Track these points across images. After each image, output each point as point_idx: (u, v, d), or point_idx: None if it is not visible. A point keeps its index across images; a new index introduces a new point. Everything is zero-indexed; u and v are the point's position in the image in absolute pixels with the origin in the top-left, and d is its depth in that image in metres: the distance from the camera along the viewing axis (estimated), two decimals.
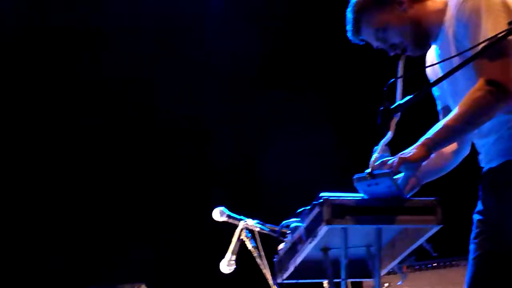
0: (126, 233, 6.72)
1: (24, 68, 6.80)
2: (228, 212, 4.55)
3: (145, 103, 6.94)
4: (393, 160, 2.92)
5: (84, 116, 6.85)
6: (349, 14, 3.26)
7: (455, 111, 3.00)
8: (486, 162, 3.19)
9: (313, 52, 6.73)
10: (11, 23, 6.54)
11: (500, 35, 2.70)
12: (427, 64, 3.37)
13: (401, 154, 2.94)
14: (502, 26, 2.83)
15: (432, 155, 3.07)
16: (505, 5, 3.03)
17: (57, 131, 6.87)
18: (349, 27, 3.27)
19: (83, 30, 6.77)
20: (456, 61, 2.99)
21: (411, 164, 2.94)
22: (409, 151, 2.95)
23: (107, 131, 6.88)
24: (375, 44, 3.27)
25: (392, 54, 3.26)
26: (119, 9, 6.67)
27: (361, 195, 2.86)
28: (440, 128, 2.99)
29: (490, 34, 2.87)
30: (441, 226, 2.87)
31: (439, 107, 3.38)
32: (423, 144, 2.96)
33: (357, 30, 3.26)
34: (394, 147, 3.01)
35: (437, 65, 3.24)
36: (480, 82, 2.96)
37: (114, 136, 6.89)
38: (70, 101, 6.86)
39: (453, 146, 3.32)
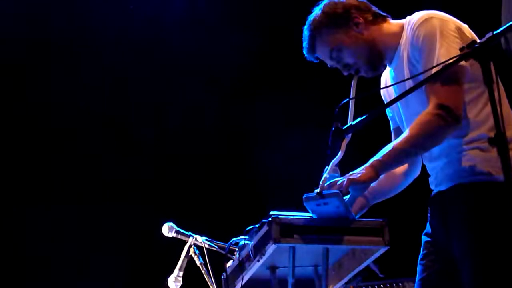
0: (76, 247, 6.64)
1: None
2: (177, 228, 4.53)
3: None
4: (342, 180, 2.92)
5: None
6: (305, 31, 3.28)
7: (405, 134, 3.02)
8: (435, 185, 3.21)
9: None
10: None
11: (451, 61, 2.72)
12: (382, 85, 3.40)
13: (350, 175, 2.95)
14: (455, 52, 2.86)
15: (382, 176, 3.09)
16: (460, 31, 3.07)
17: None
18: (304, 44, 3.29)
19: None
20: (409, 84, 3.02)
21: (359, 185, 2.95)
22: (358, 172, 2.96)
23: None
24: (330, 63, 3.29)
25: (346, 74, 3.28)
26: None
27: (310, 214, 2.87)
28: (390, 150, 3.01)
29: (443, 59, 2.90)
30: (388, 247, 2.89)
31: (391, 128, 3.41)
32: (372, 166, 2.97)
33: (312, 48, 3.27)
34: (344, 167, 3.02)
35: (391, 86, 3.27)
36: (431, 106, 2.98)
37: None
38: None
39: (402, 168, 3.35)
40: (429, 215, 3.25)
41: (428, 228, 3.25)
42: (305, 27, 3.29)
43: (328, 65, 3.31)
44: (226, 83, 6.85)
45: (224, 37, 6.75)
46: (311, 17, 3.29)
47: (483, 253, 2.95)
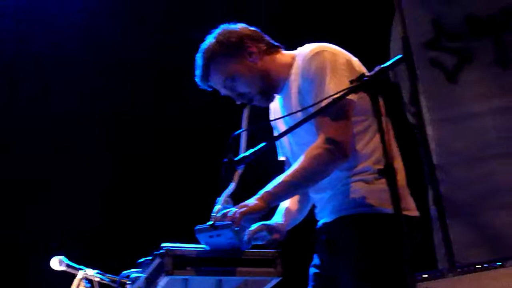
0: None
1: None
2: (67, 261, 4.43)
3: None
4: (233, 211, 2.92)
5: None
6: (198, 60, 3.27)
7: (294, 167, 3.05)
8: (321, 216, 3.26)
9: None
10: None
11: (340, 94, 2.77)
12: (271, 111, 3.43)
13: (240, 206, 2.96)
14: (345, 86, 2.91)
15: (290, 203, 3.17)
16: (349, 64, 3.13)
17: None
18: (197, 72, 3.28)
19: None
20: (299, 116, 3.05)
21: (250, 215, 2.95)
22: (249, 203, 2.97)
23: None
24: (223, 91, 3.29)
25: (239, 102, 3.29)
26: None
27: (203, 246, 2.86)
28: (279, 183, 3.03)
29: (333, 93, 2.94)
30: (281, 278, 2.90)
31: (280, 158, 3.43)
32: (261, 197, 2.99)
33: (205, 76, 3.27)
34: (237, 199, 3.03)
35: (279, 114, 3.29)
36: (320, 140, 3.03)
37: None
38: None
39: (298, 201, 3.38)
40: (316, 246, 3.28)
41: (315, 260, 3.27)
42: (198, 55, 3.28)
43: (221, 94, 3.32)
44: None
45: None
46: (204, 45, 3.28)
47: (366, 285, 2.99)
